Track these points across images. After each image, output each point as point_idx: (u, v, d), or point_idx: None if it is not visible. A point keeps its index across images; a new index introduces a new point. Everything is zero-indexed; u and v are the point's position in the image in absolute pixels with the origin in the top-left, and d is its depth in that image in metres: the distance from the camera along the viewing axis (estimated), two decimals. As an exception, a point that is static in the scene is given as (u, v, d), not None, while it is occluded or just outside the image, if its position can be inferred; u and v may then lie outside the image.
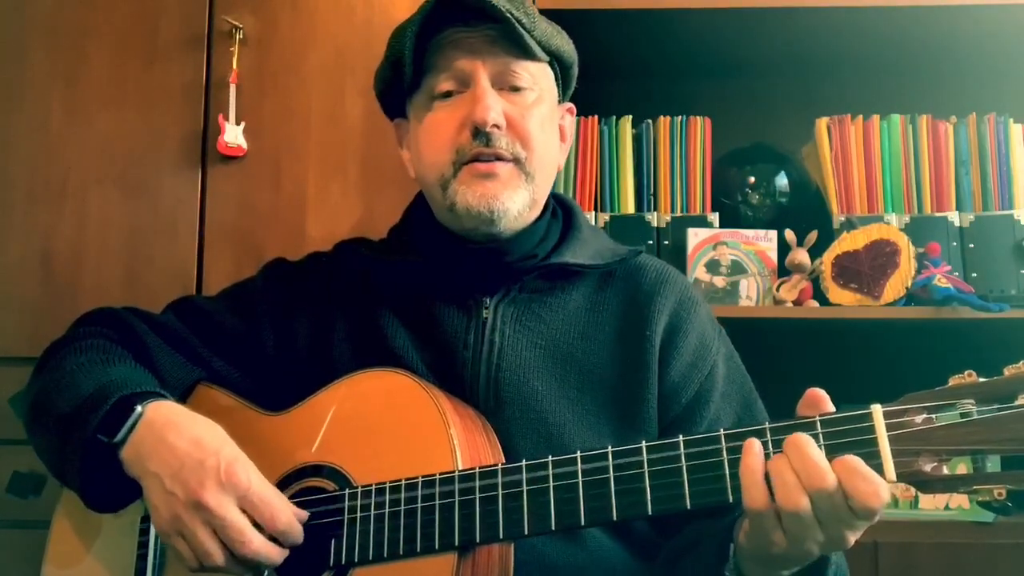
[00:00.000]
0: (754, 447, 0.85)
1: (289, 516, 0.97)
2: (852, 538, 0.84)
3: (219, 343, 1.19)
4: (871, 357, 1.86)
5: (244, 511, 0.95)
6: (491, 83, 1.11)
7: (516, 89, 1.13)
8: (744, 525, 0.90)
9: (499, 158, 1.10)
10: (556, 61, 1.18)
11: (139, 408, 1.00)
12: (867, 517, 0.82)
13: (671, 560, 1.07)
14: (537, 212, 1.17)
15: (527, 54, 1.12)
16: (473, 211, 1.10)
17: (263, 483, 0.97)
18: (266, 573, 0.98)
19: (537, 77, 1.15)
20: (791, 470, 0.82)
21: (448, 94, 1.13)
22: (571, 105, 1.27)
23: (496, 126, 1.09)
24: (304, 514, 1.00)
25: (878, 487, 0.80)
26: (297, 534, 0.98)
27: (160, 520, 0.97)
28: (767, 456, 0.85)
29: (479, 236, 1.13)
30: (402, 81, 1.15)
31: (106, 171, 1.67)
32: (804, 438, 0.83)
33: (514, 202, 1.10)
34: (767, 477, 0.83)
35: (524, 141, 1.11)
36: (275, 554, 0.96)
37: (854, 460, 0.81)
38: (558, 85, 1.20)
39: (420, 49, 1.12)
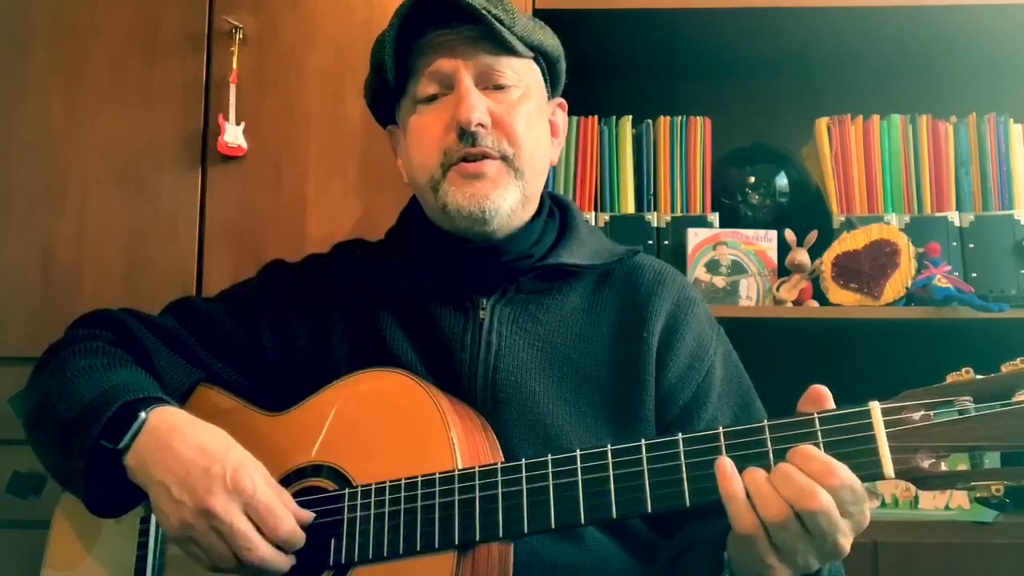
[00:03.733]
0: (725, 469, 0.85)
1: (291, 525, 0.97)
2: (844, 542, 0.84)
3: (218, 345, 1.19)
4: (871, 357, 1.86)
5: (250, 517, 0.95)
6: (474, 82, 1.11)
7: (500, 87, 1.12)
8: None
9: (486, 156, 1.09)
10: (541, 56, 1.18)
11: (143, 415, 1.00)
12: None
13: (669, 562, 1.07)
14: (531, 210, 1.17)
15: (508, 51, 1.11)
16: (464, 212, 1.09)
17: (268, 489, 0.97)
18: None
19: (521, 74, 1.14)
20: (766, 482, 0.83)
21: (433, 97, 1.13)
22: (562, 100, 1.26)
23: (481, 125, 1.09)
24: (308, 516, 0.99)
25: (833, 466, 0.81)
26: (300, 541, 0.98)
27: (170, 527, 0.97)
28: (766, 465, 0.85)
29: (474, 236, 1.13)
30: (388, 87, 1.16)
31: (106, 171, 1.66)
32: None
33: (505, 200, 1.10)
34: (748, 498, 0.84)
35: (511, 138, 1.11)
36: (281, 562, 0.96)
37: (805, 447, 0.83)
38: (546, 81, 1.20)
39: (402, 54, 1.12)
